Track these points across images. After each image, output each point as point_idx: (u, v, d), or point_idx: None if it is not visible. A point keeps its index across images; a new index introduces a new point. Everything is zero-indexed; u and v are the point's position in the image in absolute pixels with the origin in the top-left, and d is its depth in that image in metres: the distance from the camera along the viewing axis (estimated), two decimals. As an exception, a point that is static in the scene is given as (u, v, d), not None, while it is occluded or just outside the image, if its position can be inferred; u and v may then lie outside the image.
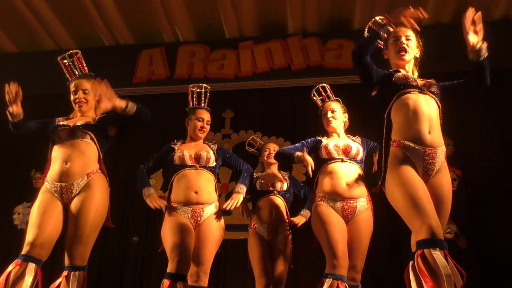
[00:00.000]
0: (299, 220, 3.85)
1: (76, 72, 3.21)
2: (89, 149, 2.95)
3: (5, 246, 5.79)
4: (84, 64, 3.24)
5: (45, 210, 2.77)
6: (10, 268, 2.59)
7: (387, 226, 5.04)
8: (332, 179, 3.15)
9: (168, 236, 3.03)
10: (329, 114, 3.40)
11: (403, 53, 2.63)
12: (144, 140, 6.05)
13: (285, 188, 3.93)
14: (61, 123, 3.04)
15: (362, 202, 3.12)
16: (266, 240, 3.76)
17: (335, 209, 3.08)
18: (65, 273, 2.75)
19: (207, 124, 3.44)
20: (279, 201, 3.87)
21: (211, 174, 3.28)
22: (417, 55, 2.72)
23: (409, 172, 2.37)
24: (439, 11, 5.98)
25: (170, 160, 3.29)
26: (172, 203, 3.16)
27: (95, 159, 2.98)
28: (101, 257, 5.58)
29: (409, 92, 2.51)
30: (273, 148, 4.04)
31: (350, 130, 3.53)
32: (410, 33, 2.67)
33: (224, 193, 5.43)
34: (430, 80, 2.64)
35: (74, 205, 2.81)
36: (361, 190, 3.15)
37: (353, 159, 3.23)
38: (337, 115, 3.41)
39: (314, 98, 3.69)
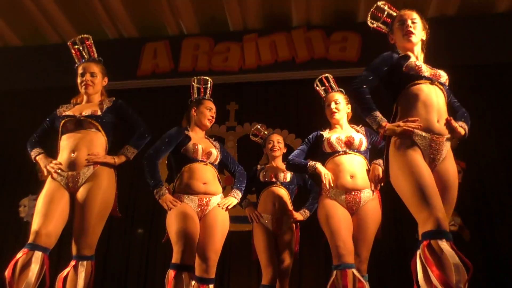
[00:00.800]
0: (298, 216, 3.85)
1: (86, 57, 3.24)
2: (97, 138, 3.00)
3: (11, 238, 5.84)
4: (94, 50, 3.28)
5: (52, 199, 2.80)
6: (17, 257, 2.62)
7: (391, 214, 5.05)
8: (336, 172, 3.17)
9: (173, 226, 3.03)
10: (333, 105, 3.40)
11: (410, 36, 2.61)
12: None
13: (288, 179, 3.93)
14: (66, 113, 3.07)
15: (367, 193, 3.14)
16: (271, 231, 3.78)
17: (339, 202, 3.11)
18: (72, 262, 2.78)
19: (214, 114, 3.47)
20: (283, 192, 3.89)
21: (216, 171, 3.31)
22: (424, 38, 2.70)
23: (416, 158, 2.37)
24: (444, 3, 5.94)
25: (183, 149, 3.24)
26: (179, 193, 3.17)
27: (103, 148, 3.02)
28: (107, 248, 5.61)
29: (420, 83, 2.51)
30: (276, 140, 4.05)
31: (354, 122, 3.51)
32: (415, 15, 2.67)
33: (229, 185, 5.44)
34: (440, 71, 2.62)
35: (80, 194, 2.84)
36: (366, 181, 3.16)
37: (357, 150, 3.24)
38: (341, 106, 3.41)
39: (317, 88, 3.68)
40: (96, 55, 3.26)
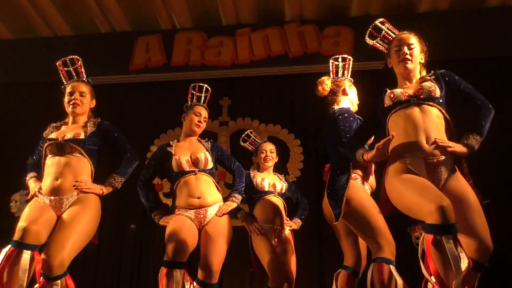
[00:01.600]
0: (293, 225, 3.89)
1: (75, 77, 3.17)
2: (81, 163, 2.94)
3: (2, 234, 5.78)
4: (83, 71, 3.21)
5: (39, 208, 2.78)
6: (3, 254, 2.59)
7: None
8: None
9: (168, 228, 3.06)
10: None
11: (406, 62, 2.59)
12: (141, 128, 6.04)
13: (284, 190, 3.96)
14: (50, 135, 3.01)
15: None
16: (271, 239, 3.75)
17: None
18: (43, 282, 2.64)
19: (204, 120, 3.41)
20: (280, 201, 3.90)
21: (210, 177, 3.26)
22: (422, 61, 2.67)
23: (411, 174, 2.39)
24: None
25: (168, 166, 3.26)
26: (176, 210, 3.19)
27: (88, 174, 2.97)
28: (99, 245, 5.58)
29: (398, 109, 2.51)
30: (269, 150, 4.02)
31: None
32: (412, 40, 2.62)
33: (222, 180, 5.43)
34: (422, 85, 2.53)
35: (65, 215, 2.78)
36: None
37: None
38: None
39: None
40: (85, 77, 3.20)
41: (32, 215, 2.72)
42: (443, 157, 2.40)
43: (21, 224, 2.68)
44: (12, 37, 6.84)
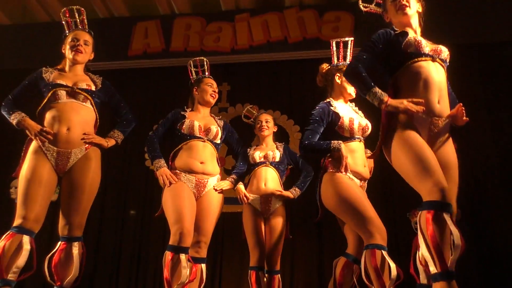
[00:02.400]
0: (287, 194, 3.81)
1: (79, 26, 3.14)
2: (89, 115, 2.93)
3: (2, 220, 5.81)
4: (86, 23, 3.17)
5: (39, 180, 2.74)
6: (3, 241, 2.60)
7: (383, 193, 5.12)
8: (354, 159, 2.90)
9: (170, 206, 3.01)
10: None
11: (404, 8, 2.50)
12: (141, 113, 6.02)
13: (277, 158, 3.89)
14: (58, 81, 2.91)
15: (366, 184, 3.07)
16: (260, 212, 3.79)
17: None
18: (62, 244, 2.76)
19: (216, 90, 3.45)
20: (271, 171, 3.87)
21: (215, 149, 3.29)
22: (419, 10, 2.60)
23: (416, 136, 2.32)
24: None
25: (178, 128, 3.25)
26: (176, 170, 3.15)
27: (94, 127, 2.97)
28: (100, 230, 5.62)
29: (420, 61, 2.41)
30: (265, 119, 4.02)
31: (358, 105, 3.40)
32: None
33: (221, 167, 5.43)
34: (441, 46, 2.52)
35: (72, 175, 2.79)
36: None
37: (363, 138, 3.07)
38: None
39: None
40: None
41: (32, 193, 2.70)
42: (447, 121, 2.39)
43: (21, 210, 2.69)
44: (9, 23, 6.79)
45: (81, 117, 2.87)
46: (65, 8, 3.18)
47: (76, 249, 2.75)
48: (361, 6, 2.79)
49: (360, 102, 3.07)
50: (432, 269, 2.06)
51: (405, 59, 2.43)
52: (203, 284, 3.12)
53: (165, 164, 3.14)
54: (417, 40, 2.46)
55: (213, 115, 3.46)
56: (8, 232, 2.65)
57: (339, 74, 3.12)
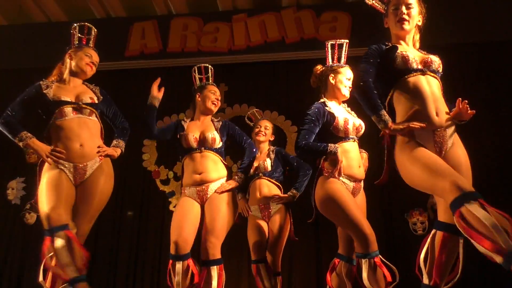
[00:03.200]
0: (283, 197, 3.87)
1: (91, 44, 3.25)
2: (96, 127, 3.03)
3: (0, 221, 5.81)
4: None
5: (59, 184, 2.78)
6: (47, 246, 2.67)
7: (380, 194, 5.11)
8: (348, 160, 2.93)
9: (174, 220, 3.16)
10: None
11: (403, 23, 2.50)
12: (137, 115, 5.98)
13: (269, 168, 3.93)
14: (61, 97, 2.95)
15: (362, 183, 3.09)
16: (261, 218, 3.90)
17: (348, 189, 2.93)
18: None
19: (219, 98, 3.48)
20: (264, 182, 3.93)
21: (217, 155, 3.30)
22: (419, 23, 2.59)
23: (421, 148, 2.32)
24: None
25: (178, 140, 3.33)
26: (183, 186, 3.30)
27: (100, 136, 3.06)
28: (97, 230, 5.59)
29: (410, 77, 2.41)
30: (264, 125, 4.04)
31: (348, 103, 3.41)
32: (411, 0, 2.53)
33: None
34: (431, 56, 2.52)
35: (86, 186, 2.88)
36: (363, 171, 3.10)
37: (357, 138, 3.10)
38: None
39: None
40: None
41: (57, 198, 2.73)
42: (450, 127, 2.38)
43: (45, 211, 2.70)
44: (6, 23, 6.77)
45: (90, 131, 2.97)
46: (76, 25, 3.30)
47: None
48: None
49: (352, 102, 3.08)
50: (425, 280, 2.15)
51: (396, 77, 2.43)
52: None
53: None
54: (404, 55, 2.44)
55: (213, 118, 3.47)
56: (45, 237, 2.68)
57: (333, 75, 3.14)
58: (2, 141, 6.03)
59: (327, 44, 3.27)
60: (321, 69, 3.25)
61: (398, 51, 2.46)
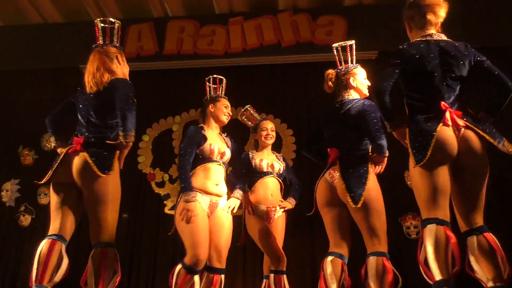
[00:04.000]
0: (287, 205, 3.97)
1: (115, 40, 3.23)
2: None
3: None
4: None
5: None
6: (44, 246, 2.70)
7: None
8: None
9: (185, 227, 3.10)
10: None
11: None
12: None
13: (282, 171, 4.00)
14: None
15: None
16: (265, 220, 3.86)
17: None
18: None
19: (230, 113, 3.61)
20: (277, 182, 3.97)
21: (225, 170, 3.46)
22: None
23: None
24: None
25: (198, 148, 3.32)
26: (194, 190, 3.20)
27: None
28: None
29: None
30: (270, 128, 4.06)
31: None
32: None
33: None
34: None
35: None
36: None
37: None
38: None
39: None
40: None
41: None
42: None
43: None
44: (2, 24, 6.76)
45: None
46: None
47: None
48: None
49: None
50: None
51: None
52: None
53: (195, 199, 3.15)
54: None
55: (220, 132, 3.57)
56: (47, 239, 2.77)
57: (353, 77, 3.21)
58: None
59: (336, 48, 3.33)
60: (334, 73, 3.29)
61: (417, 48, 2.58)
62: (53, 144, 3.08)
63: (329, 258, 2.98)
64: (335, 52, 3.29)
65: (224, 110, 3.52)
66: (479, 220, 2.39)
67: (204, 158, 3.31)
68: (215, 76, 3.69)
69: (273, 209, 3.89)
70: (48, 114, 3.11)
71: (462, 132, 2.41)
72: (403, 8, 2.72)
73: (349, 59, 3.27)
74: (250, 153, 4.02)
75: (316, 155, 3.40)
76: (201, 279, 3.20)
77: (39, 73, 6.15)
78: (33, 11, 6.48)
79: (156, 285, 5.28)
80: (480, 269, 2.27)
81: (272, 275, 3.73)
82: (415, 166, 2.40)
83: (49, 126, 3.06)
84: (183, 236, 3.13)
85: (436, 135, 2.36)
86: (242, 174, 3.78)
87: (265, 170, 3.91)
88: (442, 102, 2.44)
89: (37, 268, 2.68)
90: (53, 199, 2.87)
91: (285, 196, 4.05)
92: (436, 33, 2.61)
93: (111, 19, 3.16)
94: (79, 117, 2.95)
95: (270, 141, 4.05)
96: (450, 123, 2.40)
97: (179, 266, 3.09)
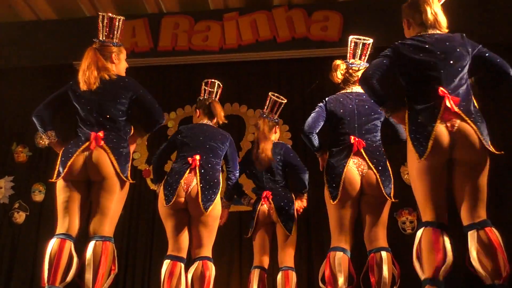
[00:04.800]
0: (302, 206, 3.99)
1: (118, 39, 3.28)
2: None
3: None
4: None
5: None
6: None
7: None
8: None
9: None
10: None
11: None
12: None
13: None
14: None
15: None
16: None
17: None
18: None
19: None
20: None
21: None
22: None
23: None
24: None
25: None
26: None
27: None
28: (85, 232, 5.56)
29: None
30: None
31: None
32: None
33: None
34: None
35: None
36: None
37: None
38: None
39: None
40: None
41: None
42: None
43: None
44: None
45: None
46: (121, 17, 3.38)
47: None
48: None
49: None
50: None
51: None
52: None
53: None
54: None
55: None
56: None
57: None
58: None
59: (353, 41, 3.35)
60: (344, 65, 3.35)
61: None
62: (47, 141, 3.05)
63: (339, 253, 3.01)
64: (351, 45, 3.31)
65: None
66: (482, 214, 2.35)
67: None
68: (213, 81, 3.84)
69: None
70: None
71: (457, 125, 2.37)
72: (403, 4, 2.70)
73: (364, 57, 3.31)
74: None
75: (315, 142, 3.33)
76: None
77: (33, 70, 6.10)
78: (26, 7, 6.41)
79: (152, 282, 5.26)
80: (479, 265, 2.25)
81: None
82: (419, 160, 2.40)
83: (40, 123, 3.00)
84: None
85: (434, 133, 2.36)
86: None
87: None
88: (441, 88, 2.41)
89: (49, 269, 2.65)
90: (63, 197, 2.85)
91: None
92: (432, 30, 2.59)
93: (111, 14, 3.15)
94: (82, 113, 2.94)
95: None
96: (445, 114, 2.38)
97: None
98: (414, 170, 2.46)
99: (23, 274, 5.43)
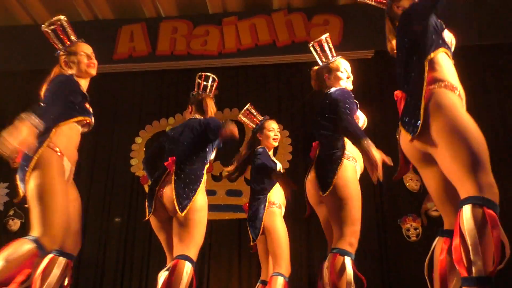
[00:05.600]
0: None
1: (73, 38, 3.03)
2: None
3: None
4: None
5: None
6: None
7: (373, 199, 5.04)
8: None
9: None
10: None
11: None
12: (126, 119, 5.91)
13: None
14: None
15: None
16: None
17: None
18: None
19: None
20: None
21: None
22: None
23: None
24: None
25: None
26: None
27: None
28: (83, 236, 5.47)
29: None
30: (277, 129, 3.94)
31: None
32: None
33: (209, 173, 5.36)
34: None
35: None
36: None
37: None
38: None
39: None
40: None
41: None
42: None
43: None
44: (-9, 25, 6.65)
45: None
46: (55, 24, 3.09)
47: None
48: None
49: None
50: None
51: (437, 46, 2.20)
52: None
53: None
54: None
55: None
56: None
57: (327, 74, 3.20)
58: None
59: (312, 46, 3.31)
60: (316, 69, 3.24)
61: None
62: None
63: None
64: (317, 49, 3.30)
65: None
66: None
67: None
68: (206, 74, 3.63)
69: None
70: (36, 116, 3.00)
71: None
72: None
73: (331, 52, 3.25)
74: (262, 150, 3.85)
75: None
76: None
77: (29, 74, 6.05)
78: (23, 12, 6.38)
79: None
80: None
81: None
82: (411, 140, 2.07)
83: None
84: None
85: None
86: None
87: (280, 171, 3.79)
88: (395, 92, 2.26)
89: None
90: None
91: None
92: None
93: (54, 18, 3.04)
94: None
95: (276, 143, 3.94)
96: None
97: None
98: None
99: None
